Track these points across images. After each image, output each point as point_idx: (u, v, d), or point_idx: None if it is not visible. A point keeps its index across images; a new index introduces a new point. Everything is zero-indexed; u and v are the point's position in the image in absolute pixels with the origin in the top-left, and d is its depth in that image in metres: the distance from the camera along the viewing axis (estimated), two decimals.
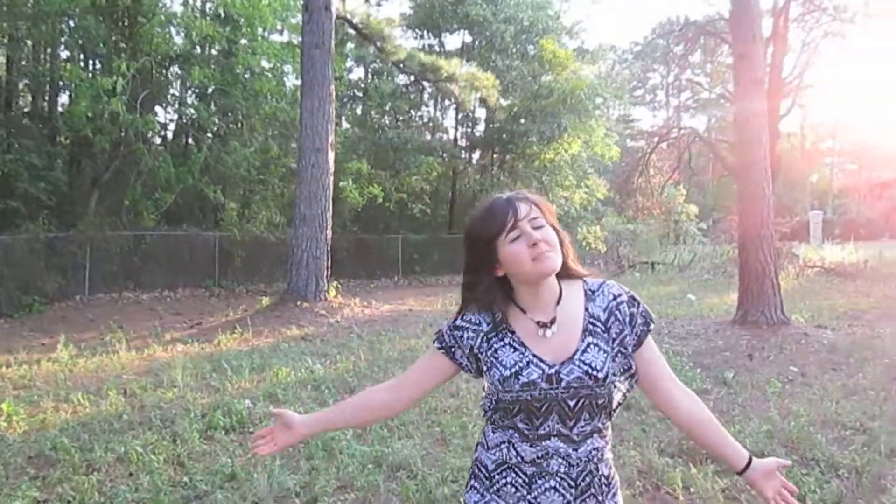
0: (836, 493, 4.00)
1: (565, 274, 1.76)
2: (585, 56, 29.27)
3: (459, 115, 27.46)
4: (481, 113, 27.29)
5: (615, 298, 1.76)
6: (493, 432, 1.77)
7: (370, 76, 25.48)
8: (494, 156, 27.29)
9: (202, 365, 8.00)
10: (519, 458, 1.70)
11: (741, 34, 9.94)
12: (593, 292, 1.78)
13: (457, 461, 4.60)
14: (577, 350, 1.68)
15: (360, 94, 26.08)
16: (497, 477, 1.74)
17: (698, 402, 1.78)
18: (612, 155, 29.24)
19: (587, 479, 1.69)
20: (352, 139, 21.70)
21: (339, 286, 14.55)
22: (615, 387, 1.71)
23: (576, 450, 1.68)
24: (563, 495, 1.68)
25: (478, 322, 1.77)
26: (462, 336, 1.79)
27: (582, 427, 1.68)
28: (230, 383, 7.08)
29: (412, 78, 21.73)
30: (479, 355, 1.76)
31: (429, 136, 27.40)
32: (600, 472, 1.72)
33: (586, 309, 1.74)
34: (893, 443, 4.77)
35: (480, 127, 28.30)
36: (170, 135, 21.30)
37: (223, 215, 19.67)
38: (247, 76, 19.73)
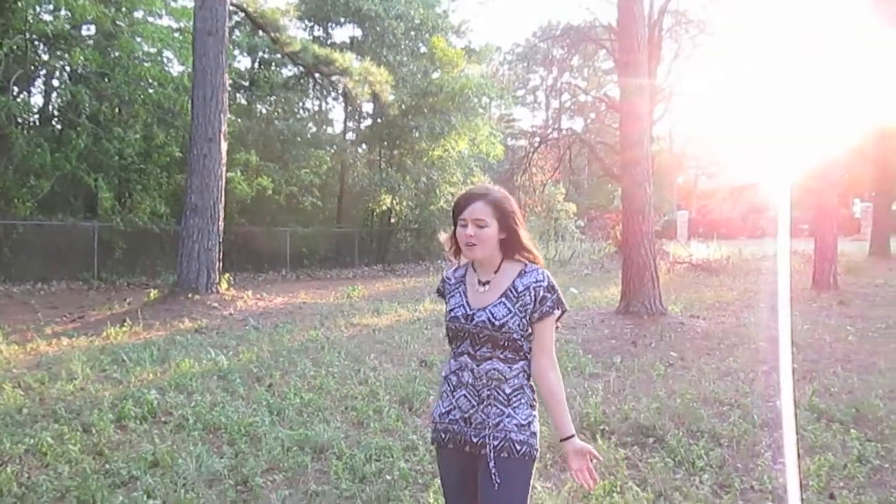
0: (719, 459, 4.53)
1: (512, 256, 2.43)
2: (472, 55, 29.91)
3: (349, 109, 27.40)
4: (369, 107, 27.37)
5: (536, 281, 2.37)
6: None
7: (257, 66, 24.92)
8: (383, 151, 27.42)
9: (98, 357, 7.77)
10: (450, 370, 2.46)
11: (626, 43, 10.63)
12: (526, 273, 2.40)
13: (378, 441, 4.82)
14: (491, 304, 2.37)
15: (247, 84, 25.50)
16: (441, 386, 2.52)
17: (558, 381, 2.38)
18: (496, 153, 30.07)
19: (487, 392, 2.35)
20: (240, 130, 21.20)
21: (231, 279, 14.30)
22: (520, 336, 2.35)
23: (478, 366, 2.36)
24: (470, 401, 2.37)
25: (450, 278, 2.57)
26: (444, 286, 2.59)
27: (483, 352, 2.36)
28: (133, 375, 6.96)
29: (301, 69, 21.47)
30: (446, 298, 2.54)
31: (314, 129, 27.18)
32: (501, 390, 2.35)
33: (513, 281, 2.39)
34: (763, 415, 5.38)
35: (368, 122, 28.36)
36: (46, 119, 20.05)
37: (103, 205, 18.76)
38: (129, 60, 18.85)
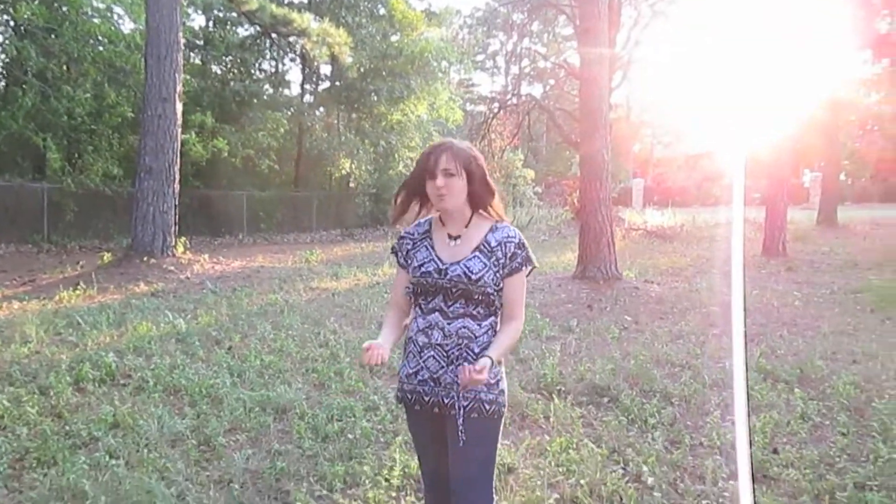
0: (671, 417, 4.70)
1: (480, 211, 2.44)
2: (432, 18, 29.59)
3: (306, 71, 26.93)
4: (327, 70, 26.95)
5: (508, 238, 2.40)
6: (412, 312, 2.50)
7: (212, 25, 24.28)
8: (341, 114, 27.09)
9: (53, 321, 7.65)
10: (417, 328, 2.41)
11: (588, 10, 10.66)
12: (497, 229, 2.42)
13: (339, 401, 4.89)
14: (465, 258, 2.37)
15: (201, 44, 24.85)
16: (407, 346, 2.49)
17: (512, 328, 2.41)
18: (456, 118, 30.00)
19: (456, 352, 2.34)
20: (195, 90, 20.71)
21: (187, 242, 14.10)
22: (493, 290, 2.36)
23: (449, 324, 2.35)
24: (438, 361, 2.36)
25: (412, 233, 2.52)
26: (402, 243, 2.53)
27: (456, 308, 2.36)
28: (89, 338, 6.89)
29: (258, 29, 20.99)
30: (409, 255, 2.49)
31: (271, 91, 26.69)
32: (471, 349, 2.34)
33: (485, 236, 2.40)
34: (713, 376, 5.58)
35: (326, 84, 27.94)
36: None
37: (52, 165, 18.23)
38: (77, 16, 18.20)
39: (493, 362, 2.26)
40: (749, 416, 4.66)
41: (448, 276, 2.35)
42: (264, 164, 22.83)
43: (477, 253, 2.37)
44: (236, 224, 22.34)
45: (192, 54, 23.36)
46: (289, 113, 25.47)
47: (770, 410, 4.74)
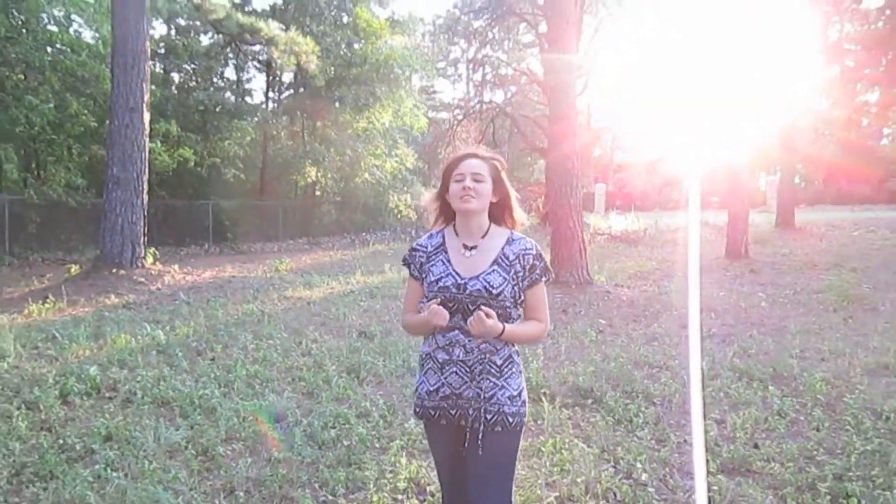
0: (655, 416, 4.87)
1: (499, 222, 2.47)
2: (396, 27, 29.71)
3: (270, 80, 26.85)
4: (288, 77, 26.89)
5: (525, 250, 2.41)
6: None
7: (174, 33, 24.07)
8: (306, 122, 27.04)
9: (29, 335, 7.57)
10: (436, 345, 2.38)
11: (556, 20, 10.87)
12: (514, 241, 2.43)
13: (332, 408, 4.96)
14: (484, 272, 2.35)
15: (162, 52, 24.62)
16: (425, 363, 2.45)
17: (538, 326, 2.44)
18: (420, 125, 30.12)
19: (479, 367, 2.33)
20: (158, 99, 20.52)
21: (156, 253, 13.98)
22: (508, 305, 2.34)
23: (470, 340, 2.32)
24: (461, 377, 2.34)
25: (425, 246, 2.49)
26: (415, 256, 2.50)
27: None
28: (69, 352, 6.84)
29: (224, 38, 20.89)
30: (423, 268, 2.45)
31: (233, 99, 26.53)
32: (493, 363, 2.35)
33: (503, 249, 2.40)
34: (690, 376, 5.77)
35: (290, 92, 27.87)
36: None
37: (9, 176, 17.87)
38: (37, 24, 17.91)
39: (503, 329, 2.27)
40: (727, 413, 4.87)
41: (468, 291, 2.31)
42: (230, 172, 22.73)
43: (496, 267, 2.35)
44: (202, 234, 22.13)
45: (154, 63, 23.13)
46: (254, 121, 25.34)
47: (748, 408, 4.93)
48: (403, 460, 3.98)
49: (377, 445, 4.36)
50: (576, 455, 4.08)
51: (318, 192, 27.22)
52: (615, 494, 3.64)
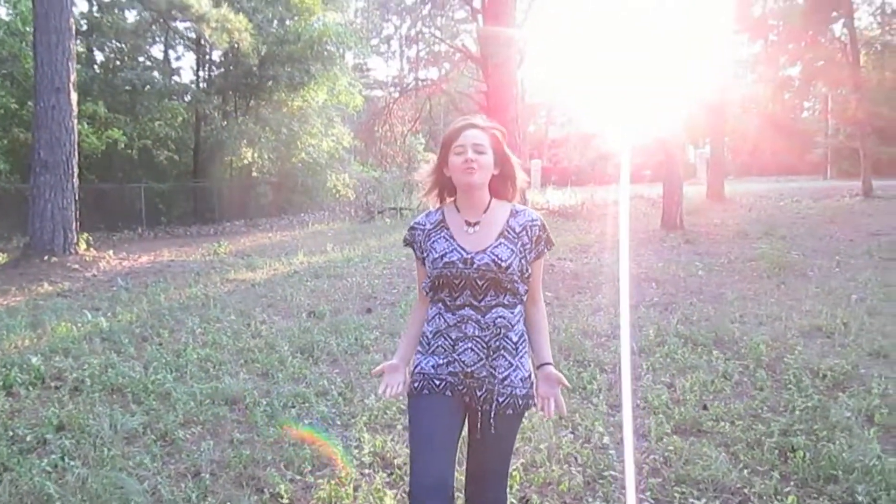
0: (607, 383, 5.02)
1: (501, 194, 2.36)
2: (329, 3, 29.21)
3: (200, 58, 26.10)
4: (218, 56, 26.19)
5: (531, 221, 2.32)
6: (431, 309, 2.37)
7: (96, 9, 23.10)
8: (238, 101, 26.44)
9: None
10: (446, 324, 2.27)
11: None
12: (518, 213, 2.34)
13: (290, 388, 4.95)
14: (491, 245, 2.25)
15: (84, 29, 23.64)
16: (433, 341, 2.32)
17: (542, 314, 2.40)
18: (356, 104, 29.80)
19: (496, 342, 2.24)
20: (83, 79, 19.71)
21: (90, 239, 13.53)
22: (516, 279, 2.26)
23: (483, 316, 2.23)
24: (477, 354, 2.24)
25: (423, 223, 2.39)
26: (415, 234, 2.40)
27: (488, 301, 2.24)
28: (7, 342, 6.60)
29: (152, 14, 20.18)
30: (423, 246, 2.36)
31: (162, 79, 25.72)
32: (509, 339, 2.26)
33: (507, 221, 2.31)
34: (638, 343, 5.97)
35: (221, 71, 27.15)
36: None
37: None
38: None
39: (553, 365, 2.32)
40: (675, 377, 5.06)
41: (475, 266, 2.22)
42: (162, 154, 22.12)
43: (502, 240, 2.26)
44: (134, 218, 21.51)
45: (77, 40, 22.17)
46: (184, 101, 24.63)
47: (695, 371, 5.13)
48: (367, 435, 4.01)
49: (339, 423, 4.38)
50: (535, 423, 4.18)
51: (254, 173, 26.71)
52: (577, 458, 3.75)
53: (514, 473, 3.49)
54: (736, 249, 11.91)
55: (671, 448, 3.81)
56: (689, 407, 4.43)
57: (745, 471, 3.53)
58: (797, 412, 4.22)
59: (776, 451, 3.72)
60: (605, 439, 3.94)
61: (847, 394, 4.53)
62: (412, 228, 2.41)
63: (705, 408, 4.46)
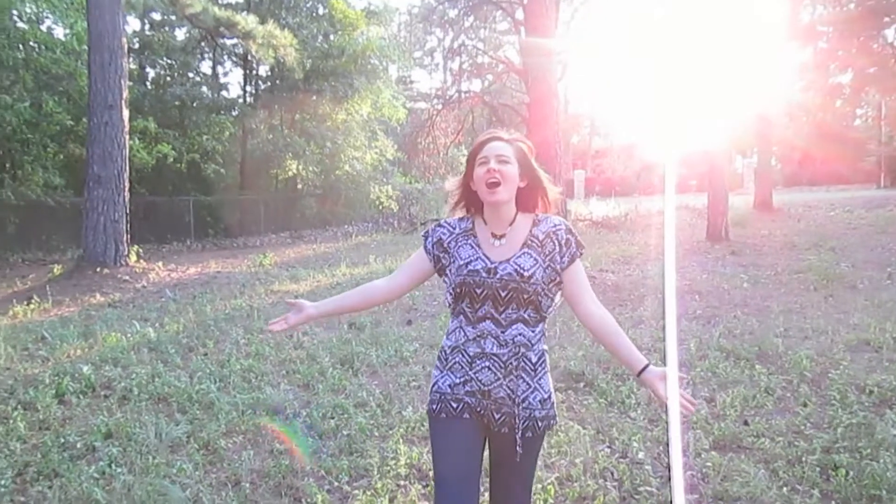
0: (646, 397, 4.95)
1: (531, 208, 2.32)
2: (372, 17, 29.62)
3: (246, 73, 26.66)
4: (265, 71, 26.70)
5: (555, 227, 2.27)
6: (451, 321, 2.35)
7: (148, 28, 23.81)
8: (284, 115, 26.91)
9: (18, 336, 7.55)
10: (465, 338, 2.24)
11: (536, 7, 10.92)
12: (540, 221, 2.30)
13: (329, 399, 5.02)
14: (514, 255, 2.22)
15: (136, 48, 24.37)
16: (450, 357, 2.29)
17: (610, 318, 2.30)
18: (399, 116, 30.08)
19: (514, 362, 2.20)
20: (135, 96, 20.33)
21: (140, 251, 13.90)
22: (542, 290, 2.21)
23: (503, 332, 2.20)
24: (495, 373, 2.20)
25: (453, 226, 2.37)
26: (437, 231, 2.38)
27: (509, 314, 2.20)
28: (59, 352, 6.83)
29: (198, 32, 20.70)
30: (448, 247, 2.33)
31: (210, 94, 26.34)
32: (528, 359, 2.22)
33: (530, 231, 2.27)
34: (679, 357, 5.89)
35: (267, 85, 27.69)
36: None
37: None
38: (9, 21, 17.63)
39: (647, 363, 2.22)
40: (716, 392, 4.99)
41: (498, 275, 2.19)
42: (209, 168, 22.58)
43: (525, 249, 2.23)
44: (183, 230, 22.03)
45: (130, 59, 22.88)
46: (231, 116, 25.18)
47: (736, 386, 5.06)
48: (403, 447, 4.05)
49: (376, 434, 4.43)
50: (572, 437, 4.17)
51: (299, 186, 27.13)
52: (613, 473, 3.74)
53: (548, 487, 3.50)
54: (783, 261, 11.68)
55: (710, 464, 3.77)
56: (730, 422, 4.37)
57: (785, 488, 3.47)
58: (841, 429, 4.13)
59: (818, 469, 3.65)
60: (641, 454, 3.92)
61: (894, 410, 4.42)
62: (439, 225, 2.40)
63: (746, 423, 4.40)
